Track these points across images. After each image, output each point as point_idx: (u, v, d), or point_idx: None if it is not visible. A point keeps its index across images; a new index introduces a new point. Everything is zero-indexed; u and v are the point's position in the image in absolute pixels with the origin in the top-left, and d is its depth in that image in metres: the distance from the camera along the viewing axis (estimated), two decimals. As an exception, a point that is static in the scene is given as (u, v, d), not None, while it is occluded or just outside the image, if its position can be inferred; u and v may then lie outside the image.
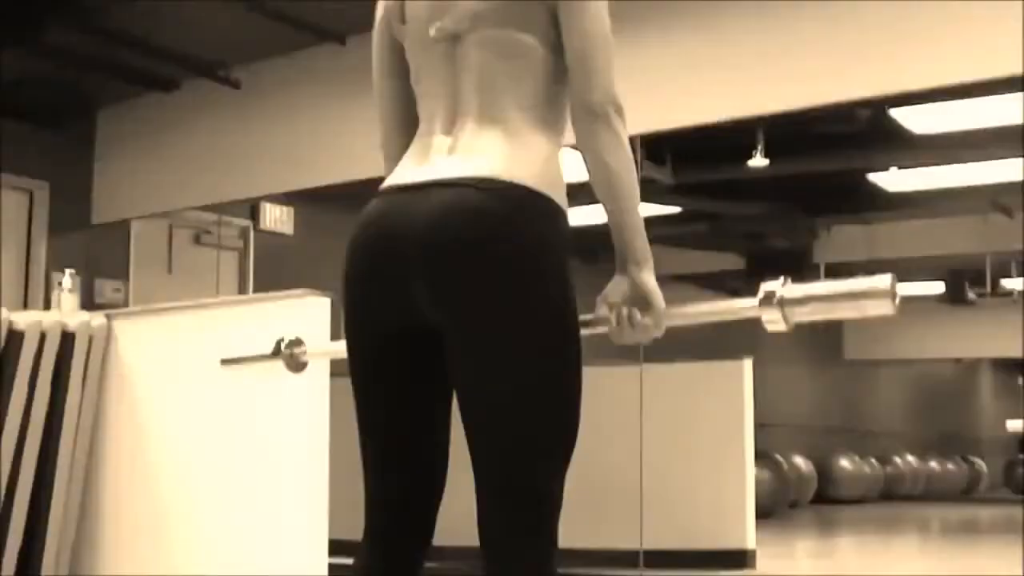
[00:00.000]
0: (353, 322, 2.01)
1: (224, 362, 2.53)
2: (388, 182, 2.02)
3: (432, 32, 2.01)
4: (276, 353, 2.38)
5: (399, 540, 2.01)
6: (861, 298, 1.76)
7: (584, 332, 1.94)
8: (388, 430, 2.01)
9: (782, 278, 1.83)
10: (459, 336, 1.89)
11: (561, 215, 1.94)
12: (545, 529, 1.88)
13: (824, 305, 1.81)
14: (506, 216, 1.88)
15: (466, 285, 1.87)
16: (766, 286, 1.83)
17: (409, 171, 2.00)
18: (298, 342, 2.37)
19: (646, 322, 1.93)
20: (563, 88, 1.99)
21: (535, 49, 1.97)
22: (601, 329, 1.96)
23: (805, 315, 1.82)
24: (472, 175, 1.91)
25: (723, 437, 6.44)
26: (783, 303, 1.81)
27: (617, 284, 1.95)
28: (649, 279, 1.94)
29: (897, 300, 1.72)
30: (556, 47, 1.97)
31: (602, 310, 1.96)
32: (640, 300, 1.94)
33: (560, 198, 1.95)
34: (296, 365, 2.37)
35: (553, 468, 1.90)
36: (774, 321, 1.82)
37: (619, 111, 1.95)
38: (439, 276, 1.88)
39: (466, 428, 1.91)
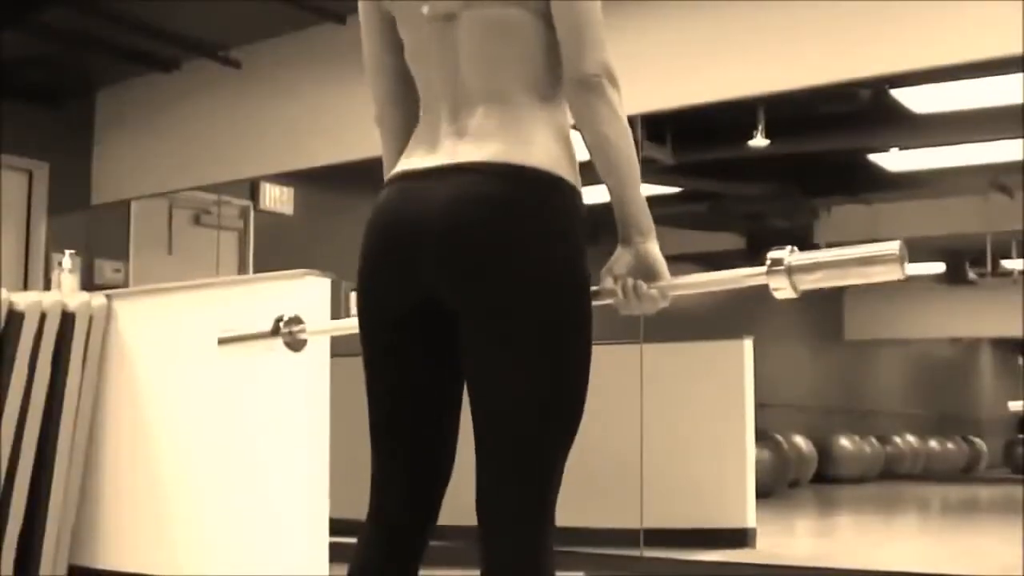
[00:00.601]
0: (366, 305, 1.99)
1: (221, 341, 2.49)
2: (398, 169, 1.99)
3: (425, 10, 1.96)
4: (275, 332, 2.34)
5: (400, 523, 1.99)
6: (870, 264, 1.74)
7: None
8: (392, 411, 2.00)
9: (789, 246, 1.81)
10: (472, 321, 1.88)
11: (576, 195, 1.92)
12: (547, 511, 1.88)
13: (833, 271, 1.79)
14: (519, 199, 1.87)
15: (480, 270, 1.85)
16: (773, 254, 1.81)
17: (419, 158, 1.97)
18: (297, 320, 2.34)
19: (651, 293, 1.91)
20: (560, 63, 1.95)
21: (530, 24, 1.93)
22: (606, 301, 1.94)
23: (813, 282, 1.80)
24: (483, 159, 1.89)
25: (724, 417, 6.44)
26: (791, 270, 1.80)
27: (621, 255, 1.93)
28: (653, 249, 1.92)
29: (906, 266, 1.71)
30: (549, 20, 1.92)
31: (607, 282, 1.93)
32: (645, 270, 1.91)
33: (573, 177, 1.92)
34: (295, 344, 2.34)
35: (559, 452, 1.90)
36: (782, 288, 1.81)
37: (613, 81, 1.90)
38: (453, 261, 1.86)
39: (474, 414, 1.90)
